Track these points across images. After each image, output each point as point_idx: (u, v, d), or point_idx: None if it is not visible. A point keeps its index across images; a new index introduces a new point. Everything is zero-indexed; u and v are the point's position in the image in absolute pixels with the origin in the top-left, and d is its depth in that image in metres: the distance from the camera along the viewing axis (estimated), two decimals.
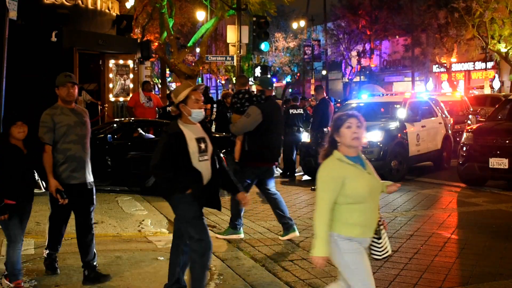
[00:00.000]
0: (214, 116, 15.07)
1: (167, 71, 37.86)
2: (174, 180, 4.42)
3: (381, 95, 16.44)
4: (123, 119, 12.80)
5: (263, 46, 18.60)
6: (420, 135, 12.50)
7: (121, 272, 5.46)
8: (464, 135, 11.12)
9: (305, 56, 45.03)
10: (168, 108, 13.38)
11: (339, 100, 29.43)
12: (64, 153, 5.15)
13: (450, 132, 13.90)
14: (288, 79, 49.07)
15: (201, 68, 34.24)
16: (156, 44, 29.82)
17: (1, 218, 4.77)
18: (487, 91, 32.86)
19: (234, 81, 32.94)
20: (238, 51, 18.59)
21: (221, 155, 10.55)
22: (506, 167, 10.00)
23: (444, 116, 13.91)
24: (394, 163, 11.58)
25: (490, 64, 33.29)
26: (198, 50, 34.24)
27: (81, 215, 5.28)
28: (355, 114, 3.65)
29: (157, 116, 14.00)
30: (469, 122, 16.15)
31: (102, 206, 8.70)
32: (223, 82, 52.36)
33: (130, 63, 16.79)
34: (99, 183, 10.06)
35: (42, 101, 14.49)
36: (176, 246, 4.78)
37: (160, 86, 38.82)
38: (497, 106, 13.45)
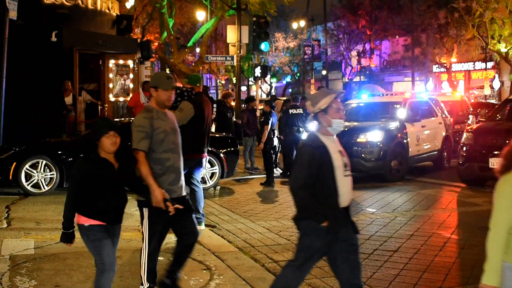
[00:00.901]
0: (214, 116, 15.04)
1: (167, 71, 37.81)
2: (313, 203, 3.88)
3: (381, 95, 16.44)
4: (123, 119, 12.80)
5: (263, 46, 18.62)
6: (420, 135, 12.50)
7: (121, 272, 5.46)
8: (464, 135, 11.12)
9: (305, 56, 45.04)
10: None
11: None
12: (162, 164, 4.56)
13: (450, 132, 13.90)
14: (288, 79, 49.08)
15: (201, 68, 34.23)
16: (156, 44, 29.82)
17: (69, 244, 4.12)
18: (487, 91, 32.87)
19: (234, 81, 32.94)
20: (238, 51, 18.60)
21: (221, 155, 10.63)
22: None
23: (444, 116, 13.91)
24: (394, 163, 11.58)
25: (490, 64, 33.28)
26: (198, 50, 34.24)
27: (182, 231, 4.75)
28: None
29: None
30: (469, 122, 16.15)
31: None
32: (223, 82, 52.35)
33: (130, 63, 16.80)
34: None
35: (42, 101, 14.57)
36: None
37: None
38: (496, 106, 13.45)
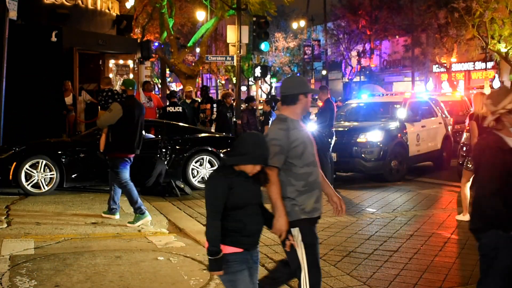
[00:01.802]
0: (214, 116, 15.05)
1: (167, 71, 37.85)
2: (501, 210, 3.48)
3: (381, 95, 16.44)
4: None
5: (263, 46, 18.60)
6: (420, 135, 12.50)
7: (121, 272, 5.46)
8: (464, 135, 11.09)
9: (305, 56, 45.06)
10: (168, 108, 13.39)
11: (339, 98, 29.52)
12: (305, 179, 3.99)
13: (450, 132, 13.90)
14: None
15: (201, 68, 34.25)
16: (156, 44, 29.84)
17: (218, 273, 3.48)
18: (487, 91, 32.85)
19: (234, 81, 32.96)
20: (238, 51, 18.58)
21: (221, 155, 10.63)
22: None
23: (444, 116, 13.91)
24: (394, 163, 11.58)
25: (490, 64, 33.27)
26: (198, 50, 34.25)
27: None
28: None
29: (157, 116, 14.01)
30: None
31: (102, 206, 8.70)
32: (223, 82, 52.36)
33: (130, 63, 16.80)
34: (99, 183, 10.14)
35: (42, 101, 14.57)
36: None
37: (160, 86, 38.83)
38: None
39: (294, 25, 45.64)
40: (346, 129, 11.76)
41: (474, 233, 3.69)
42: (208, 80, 60.99)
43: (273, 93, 41.65)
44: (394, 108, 12.89)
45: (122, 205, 8.94)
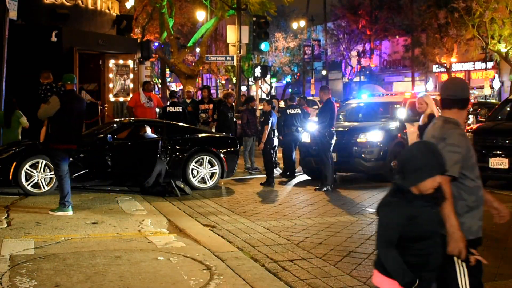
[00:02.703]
0: (215, 116, 15.02)
1: (167, 71, 37.85)
2: None
3: (381, 95, 16.44)
4: (123, 119, 12.80)
5: (263, 46, 18.61)
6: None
7: (121, 272, 5.46)
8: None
9: (305, 56, 45.07)
10: (168, 108, 13.39)
11: (339, 100, 29.51)
12: (476, 194, 3.51)
13: None
14: (288, 79, 49.09)
15: (201, 68, 34.26)
16: (156, 44, 29.86)
17: None
18: (487, 91, 32.88)
19: (234, 81, 32.96)
20: (238, 51, 18.60)
21: (221, 155, 10.64)
22: (506, 167, 10.00)
23: None
24: (394, 163, 11.57)
25: (490, 64, 33.29)
26: (198, 50, 34.25)
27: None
28: None
29: (157, 116, 14.00)
30: (469, 122, 16.15)
31: (102, 206, 8.70)
32: (223, 82, 52.38)
33: (130, 63, 16.79)
34: (99, 183, 10.14)
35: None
36: None
37: (160, 86, 38.84)
38: (496, 106, 13.45)
39: (294, 25, 45.65)
40: (346, 129, 11.76)
41: None
42: (208, 80, 60.99)
43: (273, 93, 41.67)
44: (394, 108, 12.89)
45: (122, 205, 8.96)
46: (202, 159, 10.54)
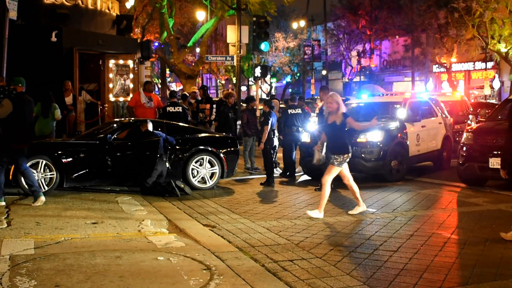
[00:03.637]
0: (213, 116, 15.02)
1: (167, 71, 37.84)
2: None
3: (381, 95, 16.43)
4: (123, 119, 12.80)
5: (263, 46, 18.60)
6: (420, 135, 12.50)
7: (121, 272, 5.46)
8: (464, 135, 11.12)
9: (305, 56, 45.08)
10: (168, 108, 13.38)
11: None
12: None
13: (450, 132, 13.90)
14: (288, 79, 49.10)
15: (201, 68, 34.26)
16: (156, 44, 29.86)
17: None
18: (487, 91, 32.89)
19: (234, 81, 32.96)
20: (238, 51, 18.58)
21: (221, 155, 10.63)
22: None
23: (444, 116, 13.91)
24: (394, 163, 11.58)
25: (490, 64, 33.29)
26: (198, 50, 34.26)
27: None
28: None
29: (157, 116, 14.00)
30: (469, 122, 16.15)
31: (102, 206, 8.70)
32: (223, 82, 52.38)
33: (130, 63, 16.80)
34: (99, 183, 10.14)
35: (42, 101, 14.53)
36: None
37: (160, 86, 38.83)
38: (496, 106, 13.45)
39: (294, 25, 45.66)
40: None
41: None
42: (208, 80, 61.00)
43: (273, 93, 41.66)
44: (394, 108, 12.89)
45: (122, 205, 8.96)
46: (202, 159, 10.54)
